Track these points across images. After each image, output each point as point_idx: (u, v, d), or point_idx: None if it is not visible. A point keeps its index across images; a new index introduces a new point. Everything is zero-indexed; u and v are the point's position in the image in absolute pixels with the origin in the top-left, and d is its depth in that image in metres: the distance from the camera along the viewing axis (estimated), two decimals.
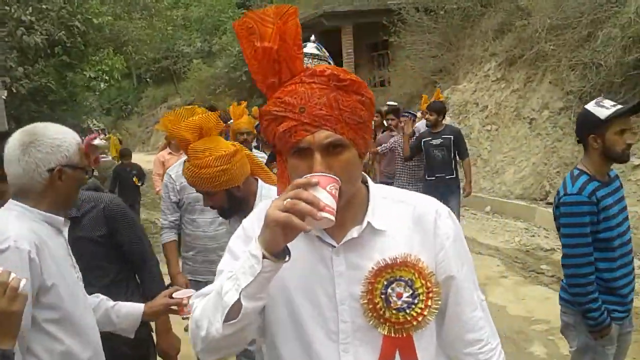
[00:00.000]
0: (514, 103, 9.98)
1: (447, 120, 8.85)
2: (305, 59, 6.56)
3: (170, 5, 19.17)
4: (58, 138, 1.81)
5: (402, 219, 1.29)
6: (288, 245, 1.13)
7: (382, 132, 7.92)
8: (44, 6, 8.64)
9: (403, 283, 1.24)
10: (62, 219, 1.85)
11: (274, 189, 2.17)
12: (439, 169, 6.36)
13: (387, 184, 7.12)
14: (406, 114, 7.25)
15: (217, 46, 24.29)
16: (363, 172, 1.32)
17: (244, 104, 5.25)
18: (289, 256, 1.14)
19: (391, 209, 1.30)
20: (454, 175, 6.45)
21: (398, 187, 6.73)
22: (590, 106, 2.54)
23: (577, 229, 2.46)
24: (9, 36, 7.88)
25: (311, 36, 7.92)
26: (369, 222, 1.24)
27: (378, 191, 1.32)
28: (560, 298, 2.70)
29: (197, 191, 2.25)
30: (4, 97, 6.28)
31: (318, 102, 1.13)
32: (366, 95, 1.19)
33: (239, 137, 4.71)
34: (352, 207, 1.25)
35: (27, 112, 8.60)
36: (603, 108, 2.48)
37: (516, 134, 9.81)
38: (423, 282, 1.23)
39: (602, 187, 2.49)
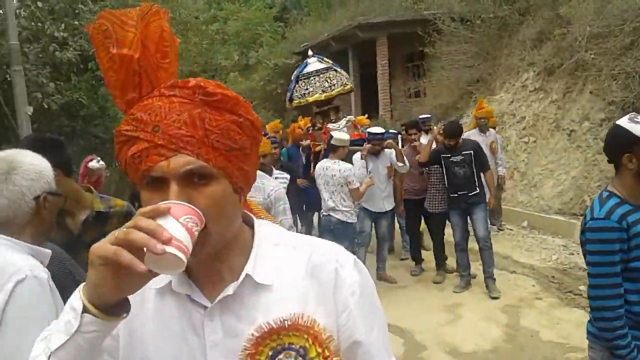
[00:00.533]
0: (552, 114, 9.60)
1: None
2: (312, 78, 6.40)
3: (207, 20, 19.39)
4: (38, 164, 1.73)
5: (295, 271, 1.02)
6: (153, 304, 0.92)
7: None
8: (76, 22, 8.78)
9: (294, 353, 0.97)
10: (49, 251, 1.73)
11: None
12: (461, 186, 6.08)
13: (411, 201, 6.92)
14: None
15: (254, 59, 24.40)
16: (250, 212, 1.09)
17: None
18: (127, 312, 0.89)
19: (281, 258, 1.03)
20: (478, 191, 6.13)
21: (429, 202, 6.53)
22: (624, 122, 2.30)
23: (604, 257, 2.22)
24: (43, 52, 8.02)
25: (308, 50, 7.92)
26: (248, 275, 0.98)
27: (267, 236, 1.06)
28: (588, 332, 2.45)
29: None
30: (29, 113, 6.35)
31: (177, 120, 0.89)
32: (245, 116, 0.96)
33: None
34: (229, 255, 1.00)
35: (59, 127, 8.73)
36: (638, 125, 2.25)
37: (555, 146, 9.42)
38: (319, 350, 0.97)
39: (635, 211, 2.24)
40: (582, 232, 2.35)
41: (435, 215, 6.69)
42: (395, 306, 5.89)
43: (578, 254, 7.26)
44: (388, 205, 6.59)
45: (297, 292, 1.00)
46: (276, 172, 4.78)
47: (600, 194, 2.38)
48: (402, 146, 8.39)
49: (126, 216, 2.75)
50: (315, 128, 7.73)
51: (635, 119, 2.27)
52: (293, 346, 0.97)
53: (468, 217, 6.21)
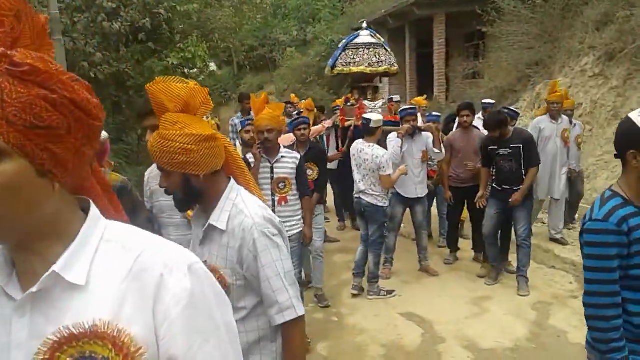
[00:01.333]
0: (611, 102, 9.03)
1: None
2: (361, 50, 6.13)
3: None
4: None
5: (116, 272, 0.91)
6: None
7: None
8: None
9: None
10: None
11: (248, 196, 1.93)
12: (507, 180, 5.69)
13: (454, 189, 6.63)
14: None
15: (311, 35, 24.28)
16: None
17: (264, 94, 4.46)
18: None
19: (107, 257, 0.92)
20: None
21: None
22: (635, 115, 2.08)
23: (601, 262, 2.05)
24: (92, 22, 8.16)
25: (363, 22, 7.53)
26: (54, 272, 0.87)
27: (103, 229, 0.95)
28: (586, 340, 2.27)
29: (157, 168, 1.94)
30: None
31: None
32: (61, 92, 0.85)
33: (260, 136, 4.28)
34: (42, 246, 0.90)
35: (109, 97, 8.93)
36: None
37: (612, 135, 8.84)
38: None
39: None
40: (581, 233, 2.16)
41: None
42: (421, 295, 5.76)
43: None
44: (421, 191, 6.31)
45: (113, 296, 0.89)
46: (283, 151, 4.46)
47: (603, 193, 2.19)
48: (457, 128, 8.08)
49: (119, 191, 2.72)
50: (348, 104, 7.49)
51: None
52: (95, 356, 0.86)
53: (508, 213, 5.82)
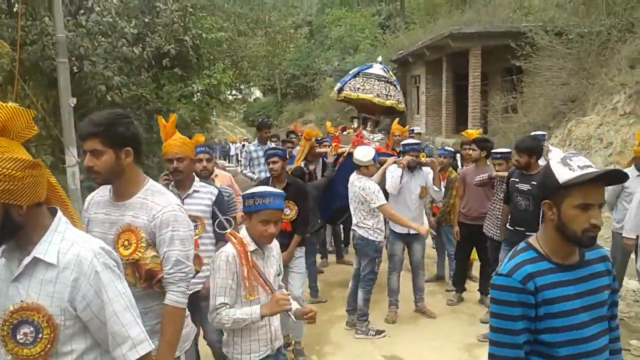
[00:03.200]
0: None
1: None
2: (372, 79, 5.97)
3: (295, 24, 19.56)
4: None
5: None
6: None
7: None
8: (147, 19, 9.10)
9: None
10: None
11: (77, 232, 1.76)
12: (520, 220, 5.17)
13: (463, 225, 6.34)
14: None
15: (351, 65, 24.40)
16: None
17: (173, 116, 3.65)
18: None
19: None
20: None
21: (488, 225, 5.87)
22: (554, 161, 1.87)
23: (504, 322, 1.82)
24: (112, 47, 8.36)
25: (378, 57, 7.34)
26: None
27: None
28: None
29: None
30: (72, 104, 6.60)
31: None
32: None
33: (168, 165, 3.58)
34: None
35: None
36: (566, 167, 1.80)
37: None
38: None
39: (556, 271, 1.83)
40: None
41: (492, 242, 5.89)
42: (412, 337, 5.48)
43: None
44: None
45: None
46: (197, 184, 3.69)
47: (517, 245, 1.96)
48: (461, 164, 7.80)
49: None
50: (344, 133, 7.31)
51: (569, 160, 1.82)
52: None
53: None
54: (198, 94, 10.32)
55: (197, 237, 3.48)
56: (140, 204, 2.36)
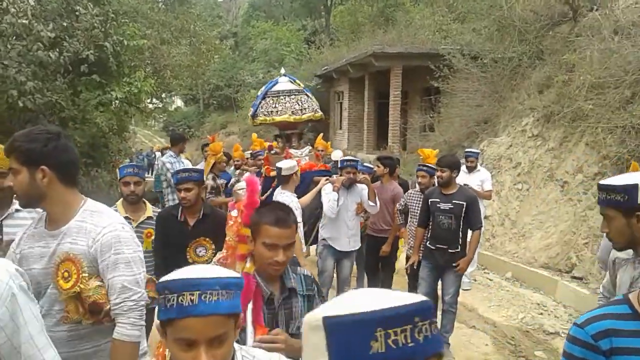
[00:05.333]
0: (548, 163, 9.15)
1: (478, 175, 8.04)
2: (282, 97, 5.93)
3: (220, 35, 19.43)
4: None
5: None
6: None
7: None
8: (66, 23, 8.77)
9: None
10: None
11: None
12: (442, 239, 5.27)
13: (373, 237, 6.52)
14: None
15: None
16: None
17: None
18: None
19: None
20: (459, 249, 5.27)
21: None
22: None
23: None
24: (27, 50, 7.97)
25: (281, 69, 7.35)
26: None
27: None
28: None
29: None
30: None
31: None
32: None
33: None
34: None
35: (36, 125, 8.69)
36: None
37: (547, 196, 8.96)
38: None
39: None
40: None
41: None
42: None
43: (550, 314, 6.82)
44: (354, 244, 5.98)
45: None
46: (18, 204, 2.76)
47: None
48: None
49: None
50: (272, 152, 7.26)
51: None
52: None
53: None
54: (117, 101, 9.99)
55: None
56: (77, 228, 2.16)
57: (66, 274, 2.12)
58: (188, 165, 8.28)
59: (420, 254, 5.64)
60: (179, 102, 39.74)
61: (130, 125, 19.56)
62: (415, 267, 5.62)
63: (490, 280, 8.33)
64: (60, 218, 2.17)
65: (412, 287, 6.11)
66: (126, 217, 3.63)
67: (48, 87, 8.30)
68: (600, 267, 4.78)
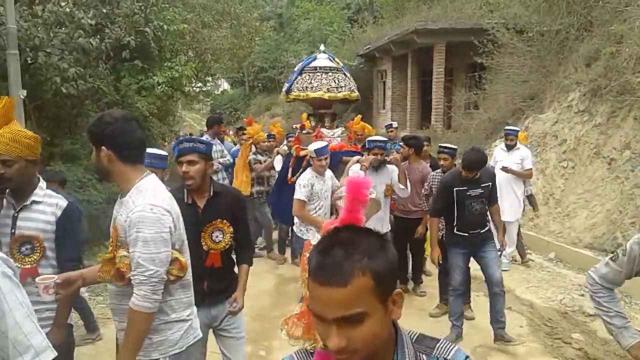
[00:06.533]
0: (594, 139, 8.81)
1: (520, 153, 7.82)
2: (318, 73, 5.79)
3: (263, 16, 19.43)
4: None
5: None
6: None
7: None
8: (107, 10, 8.95)
9: None
10: None
11: None
12: (475, 224, 5.10)
13: (400, 219, 6.46)
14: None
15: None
16: None
17: (4, 100, 2.63)
18: None
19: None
20: (488, 227, 5.22)
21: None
22: None
23: None
24: (69, 38, 8.19)
25: (321, 46, 7.08)
26: None
27: None
28: None
29: None
30: (22, 97, 6.46)
31: None
32: None
33: None
34: None
35: (86, 112, 8.98)
36: None
37: (593, 174, 8.65)
38: None
39: None
40: None
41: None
42: None
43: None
44: (384, 226, 5.77)
45: None
46: (41, 193, 2.86)
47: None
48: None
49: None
50: (304, 132, 7.17)
51: None
52: None
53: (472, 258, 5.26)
54: (159, 86, 10.17)
55: (34, 264, 2.80)
56: (126, 202, 2.42)
57: (111, 240, 2.45)
58: (221, 147, 8.42)
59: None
60: (225, 85, 40.22)
61: (177, 109, 19.98)
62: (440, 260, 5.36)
63: (532, 260, 8.12)
64: (125, 190, 2.45)
65: (444, 274, 5.93)
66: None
67: (91, 74, 8.50)
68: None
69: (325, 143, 5.61)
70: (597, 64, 9.46)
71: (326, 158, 5.34)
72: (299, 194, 5.24)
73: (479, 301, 6.13)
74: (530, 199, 8.02)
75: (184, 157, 3.15)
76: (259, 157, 7.72)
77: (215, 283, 3.25)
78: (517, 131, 7.70)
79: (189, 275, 2.61)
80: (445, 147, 5.97)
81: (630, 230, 7.60)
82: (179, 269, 2.52)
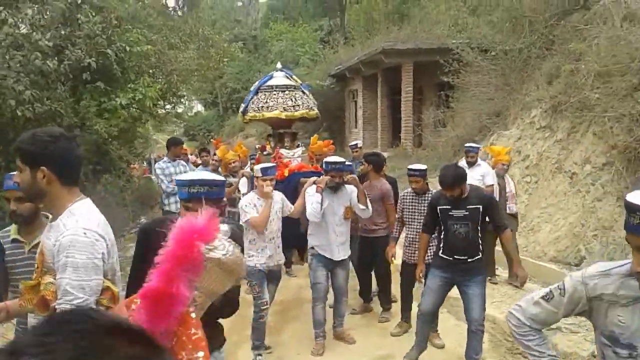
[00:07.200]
0: (556, 154, 8.93)
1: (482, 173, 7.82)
2: (274, 92, 5.56)
3: (237, 38, 19.45)
4: None
5: None
6: None
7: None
8: (67, 32, 8.85)
9: None
10: None
11: None
12: (460, 250, 4.65)
13: (367, 238, 6.35)
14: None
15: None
16: None
17: None
18: None
19: None
20: (480, 256, 4.68)
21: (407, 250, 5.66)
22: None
23: None
24: (27, 60, 8.07)
25: (277, 63, 6.87)
26: None
27: None
28: None
29: None
30: None
31: None
32: None
33: None
34: None
35: None
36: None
37: (555, 188, 8.74)
38: None
39: None
40: None
41: (410, 266, 5.62)
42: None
43: None
44: (344, 253, 5.50)
45: None
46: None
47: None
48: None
49: None
50: (264, 153, 7.05)
51: None
52: None
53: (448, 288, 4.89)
54: (123, 108, 10.04)
55: None
56: (56, 225, 2.26)
57: (36, 266, 2.30)
58: (185, 169, 8.31)
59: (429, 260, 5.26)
60: (199, 107, 40.09)
61: (147, 132, 19.78)
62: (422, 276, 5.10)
63: (497, 275, 8.12)
64: (55, 214, 2.31)
65: (407, 292, 5.90)
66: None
67: (48, 96, 8.37)
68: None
69: (272, 164, 5.45)
70: (558, 81, 9.63)
71: (272, 179, 5.12)
72: (245, 215, 4.96)
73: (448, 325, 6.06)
74: (514, 217, 7.60)
75: (193, 204, 2.56)
76: (230, 179, 7.43)
77: None
78: (477, 148, 7.74)
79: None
80: (415, 170, 5.63)
81: (592, 242, 7.67)
82: (109, 299, 2.32)
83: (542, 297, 2.26)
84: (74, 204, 2.28)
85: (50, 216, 2.52)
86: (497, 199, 7.41)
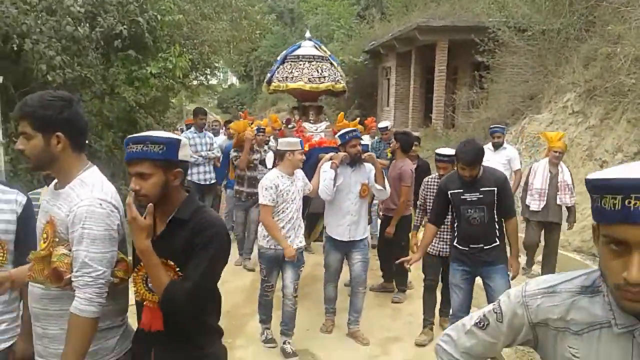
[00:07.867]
0: (587, 141, 8.65)
1: (508, 153, 7.64)
2: (301, 62, 5.35)
3: (266, 10, 19.29)
4: None
5: None
6: None
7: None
8: None
9: None
10: None
11: None
12: (475, 237, 4.34)
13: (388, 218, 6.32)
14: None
15: None
16: None
17: None
18: None
19: None
20: (497, 243, 4.36)
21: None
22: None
23: None
24: (59, 25, 8.16)
25: (306, 32, 6.63)
26: None
27: None
28: None
29: None
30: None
31: None
32: None
33: None
34: None
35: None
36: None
37: (584, 176, 8.47)
38: None
39: None
40: None
41: (432, 257, 5.31)
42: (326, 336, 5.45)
43: None
44: (356, 233, 5.13)
45: None
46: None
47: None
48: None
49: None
50: (289, 126, 6.72)
51: None
52: None
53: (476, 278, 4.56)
54: (154, 77, 10.09)
55: None
56: (66, 194, 2.17)
57: (45, 236, 2.17)
58: (211, 140, 8.35)
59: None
60: (233, 79, 40.20)
61: (181, 102, 19.95)
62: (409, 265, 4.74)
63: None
64: (63, 181, 2.22)
65: (429, 292, 5.46)
66: None
67: (79, 62, 8.47)
68: None
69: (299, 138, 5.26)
70: (594, 65, 9.28)
71: (301, 153, 4.90)
72: (262, 198, 4.68)
73: None
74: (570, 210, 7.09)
75: (132, 168, 2.17)
76: (255, 155, 7.20)
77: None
78: (503, 129, 7.55)
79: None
80: (444, 156, 5.21)
81: None
82: (124, 270, 2.27)
83: (476, 324, 1.68)
84: (84, 173, 2.22)
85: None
86: (523, 185, 7.25)
